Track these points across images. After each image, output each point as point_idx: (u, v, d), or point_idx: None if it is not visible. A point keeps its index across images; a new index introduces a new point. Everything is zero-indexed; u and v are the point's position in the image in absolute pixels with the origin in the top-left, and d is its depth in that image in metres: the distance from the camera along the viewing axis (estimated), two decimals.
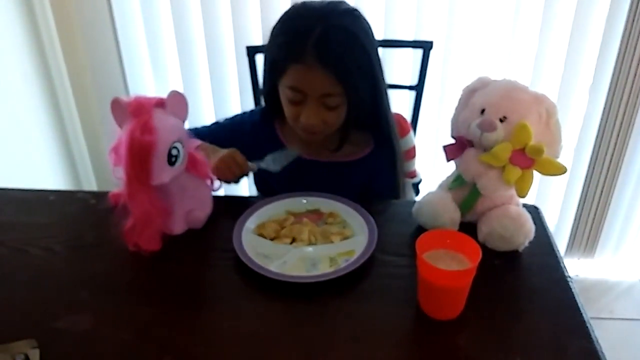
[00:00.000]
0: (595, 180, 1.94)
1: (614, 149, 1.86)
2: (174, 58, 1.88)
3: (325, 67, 0.98)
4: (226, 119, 1.30)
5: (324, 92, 1.01)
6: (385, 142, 1.17)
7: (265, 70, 1.11)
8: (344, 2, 1.06)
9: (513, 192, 0.91)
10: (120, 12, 1.80)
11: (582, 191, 1.98)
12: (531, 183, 0.88)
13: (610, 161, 1.88)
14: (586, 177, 1.94)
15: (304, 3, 1.05)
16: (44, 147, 1.82)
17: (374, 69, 1.06)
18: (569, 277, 0.89)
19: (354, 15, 1.04)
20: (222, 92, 1.91)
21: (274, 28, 1.06)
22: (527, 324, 0.81)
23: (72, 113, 1.90)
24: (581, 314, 0.82)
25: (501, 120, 0.88)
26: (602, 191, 1.95)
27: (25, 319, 0.83)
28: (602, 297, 2.05)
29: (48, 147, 1.84)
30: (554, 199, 2.06)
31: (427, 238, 0.81)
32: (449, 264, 0.80)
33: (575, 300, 0.84)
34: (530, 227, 0.91)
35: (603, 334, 1.89)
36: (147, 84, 1.93)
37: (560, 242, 2.12)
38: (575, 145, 1.92)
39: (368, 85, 1.05)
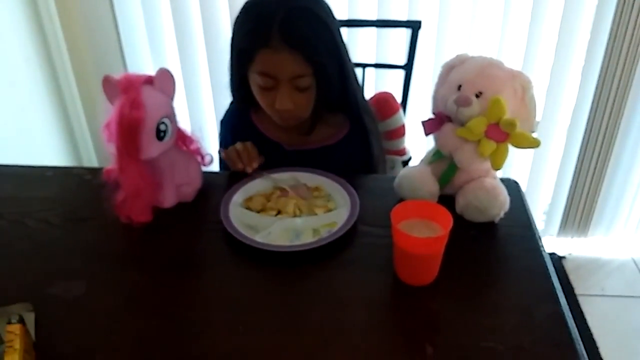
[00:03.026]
0: (588, 160, 1.96)
1: (606, 129, 1.88)
2: (171, 37, 1.92)
3: (293, 48, 1.00)
4: (221, 122, 1.33)
5: (294, 74, 1.03)
6: (359, 121, 1.20)
7: (232, 62, 1.12)
8: None
9: (489, 165, 0.94)
10: None
11: (575, 171, 2.00)
12: (506, 156, 0.91)
13: (603, 141, 1.91)
14: (579, 156, 1.97)
15: None
16: (47, 126, 1.88)
17: (339, 47, 1.08)
18: (542, 247, 0.93)
19: None
20: (219, 73, 1.95)
21: (236, 18, 1.07)
22: (498, 290, 0.85)
23: (73, 92, 1.95)
24: (551, 280, 0.86)
25: (477, 96, 0.91)
26: (594, 170, 1.98)
27: (22, 285, 0.88)
28: (593, 274, 2.08)
29: (50, 126, 1.90)
30: (547, 178, 2.08)
31: (402, 208, 0.84)
32: (423, 232, 0.83)
33: (546, 268, 0.88)
34: (505, 198, 0.95)
35: (594, 311, 1.95)
36: (145, 62, 1.97)
37: (554, 221, 2.15)
38: (568, 125, 1.95)
39: (335, 64, 1.08)
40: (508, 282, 0.87)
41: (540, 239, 0.95)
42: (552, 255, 2.15)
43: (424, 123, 0.98)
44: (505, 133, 0.90)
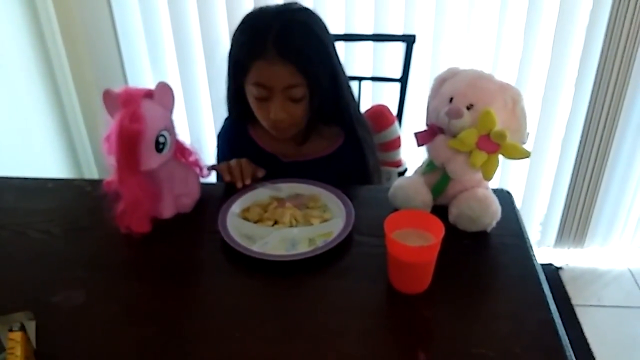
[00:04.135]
0: (583, 171, 1.98)
1: (601, 139, 1.90)
2: (171, 51, 1.96)
3: (286, 59, 1.04)
4: (218, 136, 1.36)
5: (287, 84, 1.07)
6: (352, 133, 1.22)
7: (229, 75, 1.16)
8: (297, 3, 1.13)
9: (481, 176, 0.96)
10: (119, 6, 1.87)
11: (571, 181, 2.02)
12: (496, 167, 0.93)
13: (598, 151, 1.93)
14: (574, 167, 1.99)
15: (260, 8, 1.12)
16: (48, 138, 1.90)
17: (331, 60, 1.12)
18: (534, 255, 0.94)
19: (308, 12, 1.11)
20: (218, 86, 1.97)
21: (234, 32, 1.12)
22: (490, 298, 0.87)
23: (74, 104, 1.97)
24: (542, 288, 0.87)
25: (468, 108, 0.93)
26: (590, 181, 2.00)
27: (23, 294, 0.89)
28: (590, 285, 2.10)
29: (51, 139, 1.92)
30: (543, 189, 2.10)
31: (395, 218, 0.86)
32: (416, 241, 0.85)
33: (537, 276, 0.89)
34: (496, 208, 0.97)
35: (590, 321, 1.96)
36: (145, 76, 2.00)
37: (550, 232, 2.17)
38: (562, 137, 1.97)
39: (328, 75, 1.11)
40: (500, 290, 0.88)
41: (531, 247, 0.96)
42: (548, 266, 2.16)
43: (416, 134, 1.01)
44: (496, 144, 0.92)
